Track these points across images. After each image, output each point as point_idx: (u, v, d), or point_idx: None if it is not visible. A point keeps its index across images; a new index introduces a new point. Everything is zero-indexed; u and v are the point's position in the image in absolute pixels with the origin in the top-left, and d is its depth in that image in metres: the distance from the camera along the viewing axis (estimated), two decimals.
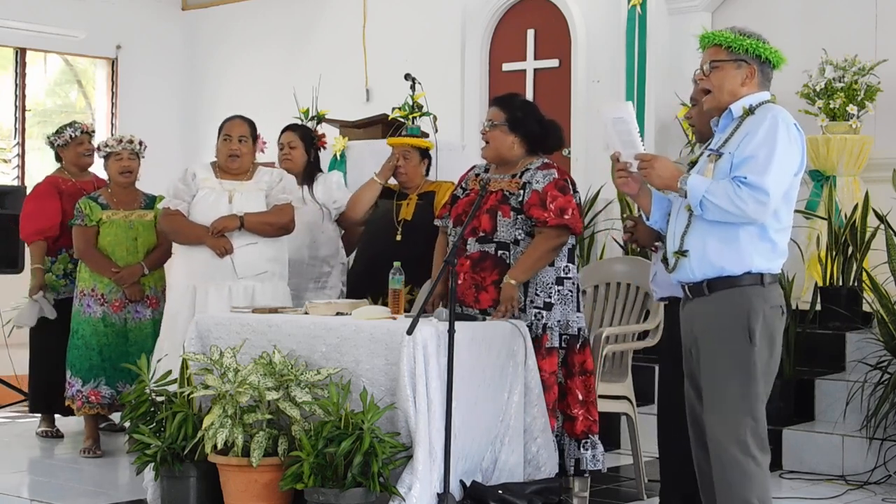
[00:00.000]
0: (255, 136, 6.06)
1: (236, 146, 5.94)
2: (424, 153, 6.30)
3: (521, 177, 5.16)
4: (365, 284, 6.11)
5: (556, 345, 5.09)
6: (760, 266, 3.98)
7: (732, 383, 3.96)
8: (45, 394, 7.02)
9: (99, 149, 6.67)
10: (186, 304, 5.86)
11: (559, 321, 5.10)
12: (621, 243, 7.51)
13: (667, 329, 4.97)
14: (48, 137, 7.18)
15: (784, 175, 3.92)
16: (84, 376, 6.45)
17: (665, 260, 4.22)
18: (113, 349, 6.46)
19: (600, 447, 5.16)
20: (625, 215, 7.24)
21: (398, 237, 6.07)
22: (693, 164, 4.20)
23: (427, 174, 6.32)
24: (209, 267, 5.85)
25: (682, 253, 4.05)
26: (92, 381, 6.44)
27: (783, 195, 3.95)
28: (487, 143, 5.23)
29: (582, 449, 5.11)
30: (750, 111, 4.02)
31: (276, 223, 5.93)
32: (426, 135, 7.21)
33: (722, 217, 3.92)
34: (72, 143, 7.00)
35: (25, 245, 7.44)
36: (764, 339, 3.98)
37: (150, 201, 6.67)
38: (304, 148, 6.60)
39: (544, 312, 5.08)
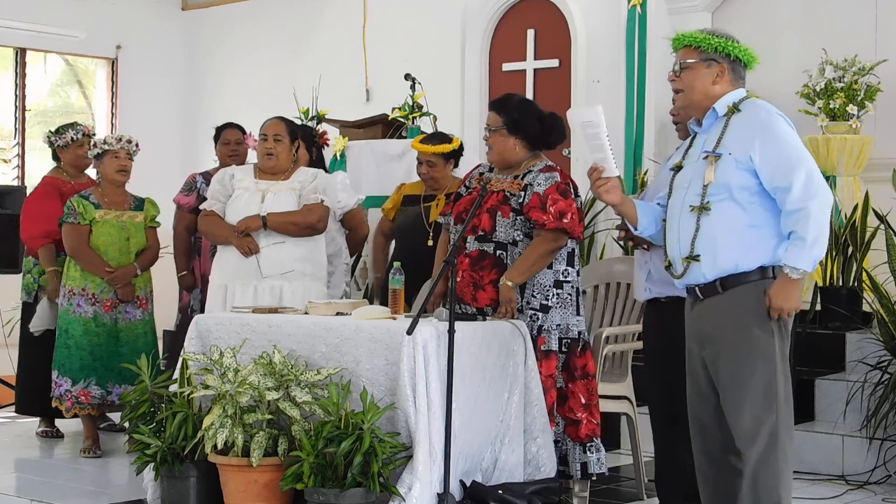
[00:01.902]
0: (293, 136, 6.05)
1: (271, 145, 5.96)
2: (450, 156, 6.26)
3: (523, 178, 5.16)
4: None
5: (555, 348, 5.08)
6: (771, 259, 4.00)
7: (758, 377, 3.98)
8: (35, 396, 7.01)
9: (95, 145, 6.62)
10: (219, 303, 5.91)
11: (558, 325, 5.09)
12: (622, 243, 7.50)
13: (650, 331, 4.93)
14: (48, 135, 7.15)
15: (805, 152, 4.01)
16: (74, 376, 6.43)
17: (668, 266, 4.20)
18: (104, 349, 6.45)
19: (603, 450, 5.17)
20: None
21: (430, 242, 6.03)
22: (678, 167, 4.20)
23: (456, 167, 6.29)
24: (237, 266, 5.89)
25: (694, 258, 4.05)
26: (82, 381, 6.43)
27: None
28: (489, 147, 5.23)
29: (588, 452, 5.11)
30: (735, 108, 4.07)
31: (301, 222, 5.92)
32: (445, 137, 7.14)
33: (826, 233, 3.96)
34: (72, 144, 6.98)
35: (25, 246, 7.43)
36: (779, 330, 4.01)
37: (139, 203, 6.66)
38: (306, 147, 6.61)
39: (540, 314, 5.07)
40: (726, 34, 4.14)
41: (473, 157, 7.59)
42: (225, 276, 5.95)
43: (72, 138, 6.99)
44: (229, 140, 6.98)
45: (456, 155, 6.30)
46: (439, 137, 6.40)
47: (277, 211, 5.88)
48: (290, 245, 5.91)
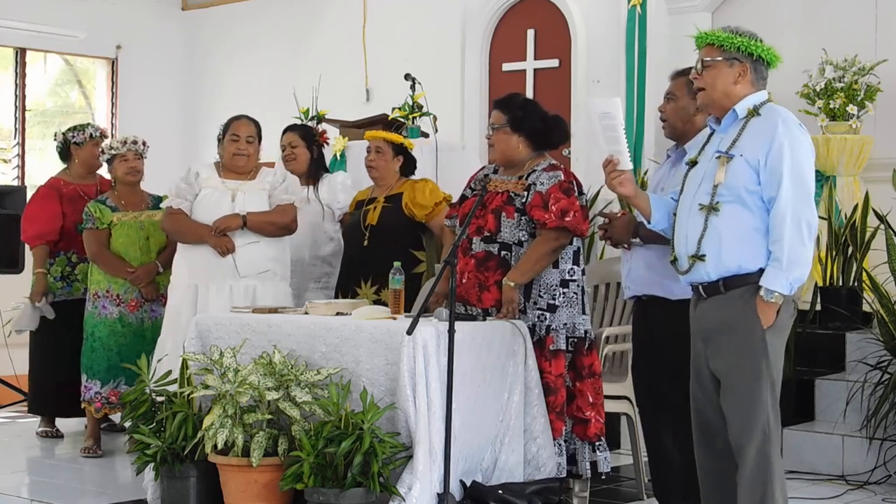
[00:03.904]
0: (260, 137, 6.08)
1: (244, 146, 5.97)
2: (399, 150, 6.23)
3: (527, 178, 5.16)
4: (338, 288, 6.18)
5: (563, 347, 5.08)
6: None
7: (753, 373, 4.01)
8: (44, 395, 7.02)
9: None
10: (188, 303, 5.88)
11: (565, 324, 5.09)
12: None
13: (635, 329, 4.95)
14: (64, 133, 7.11)
15: (810, 171, 4.00)
16: (103, 378, 6.46)
17: (674, 262, 4.21)
18: (131, 349, 6.44)
19: (608, 449, 5.18)
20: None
21: (365, 243, 6.06)
22: (693, 163, 4.21)
23: (406, 175, 6.25)
24: (211, 266, 5.86)
25: (699, 257, 4.06)
26: (111, 381, 6.46)
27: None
28: (492, 145, 5.23)
29: (597, 451, 5.12)
30: (755, 112, 4.06)
31: (278, 223, 5.95)
32: (426, 135, 7.19)
33: (802, 256, 3.96)
34: (89, 142, 6.98)
35: (26, 245, 7.43)
36: (778, 328, 4.03)
37: (157, 201, 6.70)
38: (307, 146, 6.62)
39: (548, 314, 5.07)
40: (750, 32, 4.12)
41: (474, 158, 7.59)
42: (196, 275, 5.91)
43: (90, 135, 7.01)
44: None
45: (406, 153, 6.24)
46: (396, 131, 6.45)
47: (249, 210, 5.89)
48: (263, 245, 5.92)
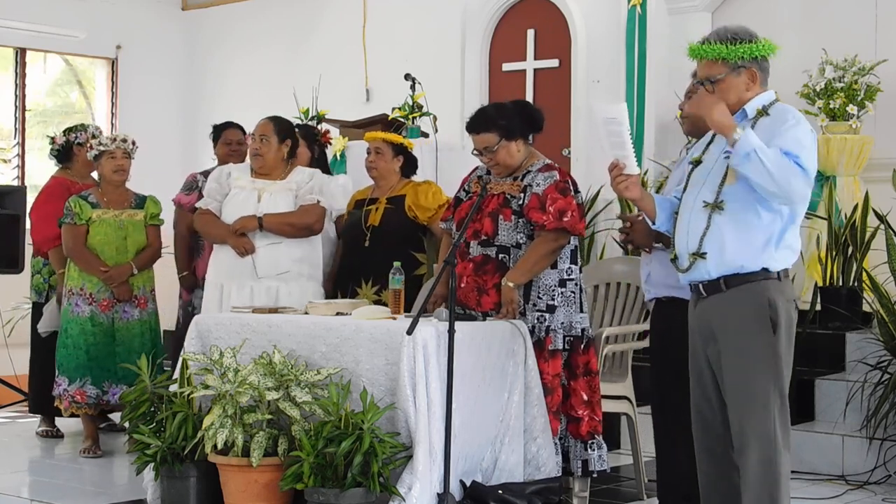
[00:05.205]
0: (282, 135, 6.00)
1: (256, 145, 5.96)
2: (399, 150, 6.21)
3: (522, 179, 5.16)
4: (336, 289, 6.16)
5: (560, 347, 5.08)
6: (775, 263, 3.99)
7: (761, 376, 3.97)
8: (45, 395, 7.02)
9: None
10: (215, 302, 5.91)
11: (563, 323, 5.09)
12: (622, 243, 7.49)
13: (656, 330, 4.95)
14: (65, 135, 7.09)
15: (812, 155, 3.95)
16: (70, 375, 6.43)
17: (674, 260, 4.20)
18: (100, 349, 6.44)
19: (605, 447, 5.18)
20: (618, 215, 7.20)
21: (366, 243, 6.05)
22: (697, 162, 4.20)
23: (407, 175, 6.25)
24: (232, 266, 5.89)
25: (700, 255, 4.05)
26: (78, 380, 6.42)
27: None
28: (497, 164, 5.19)
29: (589, 450, 5.11)
30: (764, 111, 4.05)
31: (297, 223, 5.92)
32: (426, 135, 7.19)
33: (760, 180, 3.83)
34: (91, 141, 6.97)
35: (26, 246, 7.41)
36: (784, 331, 4.00)
37: (141, 201, 6.65)
38: (307, 146, 6.62)
39: (547, 315, 5.07)
40: (745, 33, 4.08)
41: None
42: (220, 275, 5.95)
43: (92, 134, 6.99)
44: (231, 140, 6.98)
45: (406, 153, 6.23)
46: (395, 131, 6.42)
47: (274, 211, 5.88)
48: (286, 246, 5.91)
